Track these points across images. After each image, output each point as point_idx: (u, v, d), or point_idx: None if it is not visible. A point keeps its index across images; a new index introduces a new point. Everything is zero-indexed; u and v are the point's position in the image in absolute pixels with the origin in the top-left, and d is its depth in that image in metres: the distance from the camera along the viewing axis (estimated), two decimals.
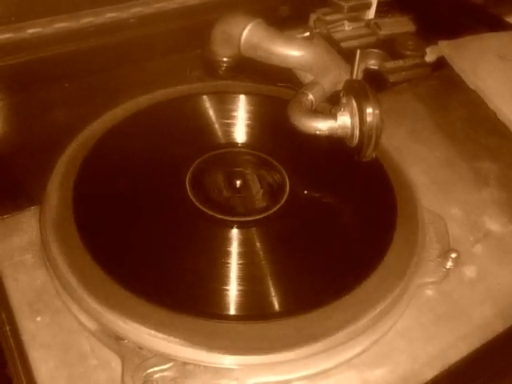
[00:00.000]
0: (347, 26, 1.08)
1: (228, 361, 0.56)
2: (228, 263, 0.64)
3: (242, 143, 0.80)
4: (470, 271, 0.69)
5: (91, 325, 0.60)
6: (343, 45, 1.04)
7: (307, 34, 1.00)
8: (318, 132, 0.72)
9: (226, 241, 0.67)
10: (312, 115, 0.74)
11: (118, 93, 0.84)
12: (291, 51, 0.87)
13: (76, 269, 0.61)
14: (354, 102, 0.70)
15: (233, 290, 0.61)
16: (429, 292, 0.67)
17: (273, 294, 0.61)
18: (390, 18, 1.12)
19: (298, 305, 0.60)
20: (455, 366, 0.60)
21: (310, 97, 0.77)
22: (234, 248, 0.66)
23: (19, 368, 0.58)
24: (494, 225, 0.75)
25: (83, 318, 0.60)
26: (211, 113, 0.83)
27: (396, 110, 0.90)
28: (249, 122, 0.82)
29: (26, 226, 0.69)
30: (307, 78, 0.89)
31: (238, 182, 0.74)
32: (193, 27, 0.99)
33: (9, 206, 0.71)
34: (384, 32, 1.08)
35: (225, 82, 0.92)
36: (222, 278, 0.62)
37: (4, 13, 0.88)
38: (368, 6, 1.10)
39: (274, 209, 0.71)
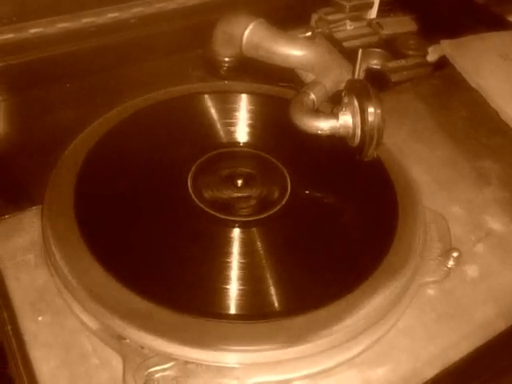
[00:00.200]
0: (349, 26, 1.08)
1: (229, 360, 0.57)
2: (229, 263, 0.64)
3: (243, 143, 0.80)
4: (471, 270, 0.69)
5: (93, 324, 0.60)
6: (345, 44, 1.04)
7: (309, 33, 1.00)
8: (319, 131, 0.72)
9: (227, 240, 0.67)
10: (314, 115, 0.74)
11: (119, 93, 0.85)
12: (293, 51, 0.87)
13: (78, 268, 0.61)
14: (355, 101, 0.70)
15: (234, 290, 0.61)
16: (430, 291, 0.67)
17: (274, 293, 0.61)
18: (392, 17, 1.11)
19: (299, 304, 0.60)
20: (456, 364, 0.60)
21: (312, 96, 0.77)
22: (235, 248, 0.66)
23: (21, 368, 0.58)
24: (495, 224, 0.75)
25: (85, 317, 0.60)
26: (213, 112, 0.83)
27: (398, 110, 0.90)
28: (250, 121, 0.82)
29: (28, 226, 0.69)
30: (309, 77, 0.89)
31: (240, 182, 0.74)
32: (194, 27, 0.99)
33: (10, 206, 0.71)
34: (386, 31, 1.08)
35: (226, 82, 0.92)
36: (223, 278, 0.62)
37: (5, 13, 0.89)
38: (370, 5, 1.10)
39: (276, 208, 0.70)
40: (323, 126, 0.72)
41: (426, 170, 0.80)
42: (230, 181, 0.74)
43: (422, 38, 1.06)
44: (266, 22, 0.89)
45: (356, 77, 0.74)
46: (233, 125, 0.81)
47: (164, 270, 0.63)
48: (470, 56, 0.96)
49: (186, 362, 0.56)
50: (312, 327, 0.58)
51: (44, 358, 0.58)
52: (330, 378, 0.59)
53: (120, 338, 0.58)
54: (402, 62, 1.00)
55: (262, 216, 0.70)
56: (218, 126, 0.82)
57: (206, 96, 0.84)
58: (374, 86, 0.70)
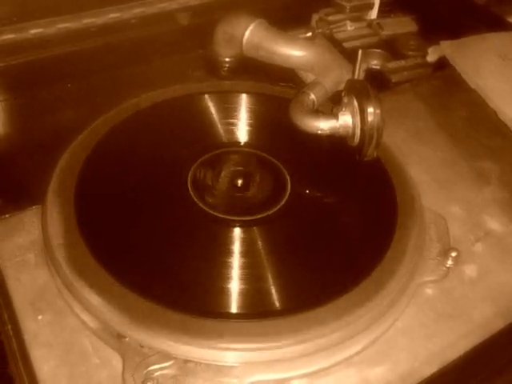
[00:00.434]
0: (349, 27, 1.08)
1: (229, 358, 0.57)
2: (229, 262, 0.64)
3: (244, 142, 0.80)
4: (470, 270, 0.69)
5: (93, 323, 0.60)
6: (345, 45, 1.04)
7: (309, 34, 1.01)
8: (319, 131, 0.72)
9: (228, 240, 0.67)
10: (314, 115, 0.74)
11: (119, 93, 0.85)
12: (293, 51, 0.87)
13: (78, 268, 0.61)
14: (355, 101, 0.70)
15: (234, 289, 0.62)
16: (429, 291, 0.67)
17: (273, 292, 0.62)
18: (392, 18, 1.12)
19: (298, 303, 0.60)
20: (454, 363, 0.61)
21: (312, 96, 0.78)
22: (236, 247, 0.66)
23: (21, 367, 0.58)
24: (494, 224, 0.75)
25: (85, 316, 0.60)
26: (213, 112, 0.83)
27: (398, 110, 0.90)
28: (251, 121, 0.82)
29: (28, 226, 0.69)
30: (309, 77, 0.89)
31: (240, 181, 0.74)
32: (194, 27, 0.99)
33: (11, 205, 0.71)
34: (386, 32, 1.08)
35: (227, 82, 0.92)
36: (223, 277, 0.62)
37: (6, 13, 0.89)
38: (370, 6, 1.11)
39: (276, 208, 0.71)
40: (323, 125, 0.72)
41: (426, 169, 0.81)
42: (231, 180, 0.74)
43: (422, 38, 1.06)
44: (267, 22, 0.89)
45: (356, 77, 0.74)
46: (233, 124, 0.82)
47: (164, 269, 0.63)
48: (469, 57, 0.96)
49: (186, 361, 0.57)
50: (311, 326, 0.58)
51: (44, 358, 0.58)
52: (329, 377, 0.59)
53: (120, 336, 0.58)
54: (402, 63, 1.01)
55: (262, 215, 0.70)
56: (219, 125, 0.82)
57: (207, 96, 0.84)
58: (374, 86, 0.71)
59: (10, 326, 0.61)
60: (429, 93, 0.95)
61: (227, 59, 0.95)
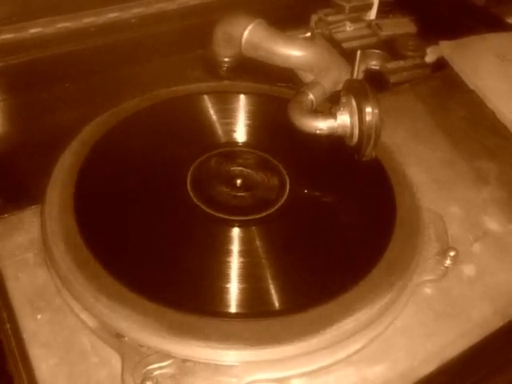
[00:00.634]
0: (348, 27, 1.08)
1: (228, 357, 0.57)
2: (228, 261, 0.64)
3: (242, 142, 0.80)
4: (468, 270, 0.69)
5: (92, 322, 0.60)
6: (344, 45, 1.04)
7: (308, 34, 1.01)
8: (318, 131, 0.73)
9: (227, 239, 0.67)
10: (312, 115, 0.74)
11: (119, 93, 0.85)
12: (292, 51, 0.87)
13: (77, 267, 0.61)
14: (353, 101, 0.71)
15: (233, 288, 0.62)
16: (428, 290, 0.67)
17: (272, 291, 0.62)
18: (391, 18, 1.12)
19: (297, 302, 0.60)
20: (452, 361, 0.61)
21: (311, 96, 0.78)
22: (235, 246, 0.66)
23: (20, 366, 0.58)
24: (493, 224, 0.75)
25: (84, 315, 0.60)
26: (212, 112, 0.83)
27: (397, 110, 0.90)
28: (249, 121, 0.82)
29: (28, 225, 0.69)
30: (308, 77, 0.89)
31: (239, 181, 0.74)
32: (194, 27, 0.99)
33: (10, 204, 0.71)
34: (385, 33, 1.08)
35: (226, 82, 0.92)
36: (222, 276, 0.62)
37: (6, 13, 0.89)
38: (369, 6, 1.11)
39: (274, 208, 0.71)
40: (322, 125, 0.72)
41: (425, 170, 0.81)
42: (229, 180, 0.74)
43: (421, 39, 1.06)
44: (266, 22, 0.89)
45: (354, 77, 0.74)
46: (232, 125, 0.82)
47: (163, 268, 0.63)
48: (468, 57, 0.96)
49: (185, 360, 0.57)
50: (310, 325, 0.58)
51: (43, 357, 0.58)
52: (328, 376, 0.59)
53: (119, 336, 0.58)
54: (401, 63, 1.01)
55: (260, 215, 0.70)
56: (218, 125, 0.82)
57: (206, 96, 0.85)
58: (373, 86, 0.71)
59: (9, 325, 0.61)
60: (428, 93, 0.95)
61: (226, 59, 0.95)
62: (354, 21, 1.09)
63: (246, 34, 0.88)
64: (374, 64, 1.02)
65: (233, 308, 0.60)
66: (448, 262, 0.67)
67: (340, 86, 0.77)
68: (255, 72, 0.92)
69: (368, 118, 0.68)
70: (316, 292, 0.62)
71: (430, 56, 1.02)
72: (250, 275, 0.63)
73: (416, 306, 0.65)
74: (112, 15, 0.96)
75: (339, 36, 1.06)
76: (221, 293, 0.61)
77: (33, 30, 0.91)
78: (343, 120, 0.71)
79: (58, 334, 0.60)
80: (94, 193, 0.69)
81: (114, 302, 0.58)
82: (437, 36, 1.01)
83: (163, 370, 0.56)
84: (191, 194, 0.71)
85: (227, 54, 0.94)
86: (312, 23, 1.07)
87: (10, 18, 0.89)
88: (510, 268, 0.70)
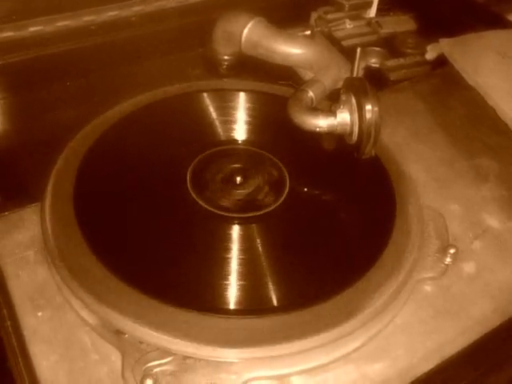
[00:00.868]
0: (348, 25, 1.08)
1: (228, 355, 0.57)
2: (228, 259, 0.64)
3: (242, 140, 0.80)
4: (468, 267, 0.69)
5: (92, 320, 0.60)
6: (344, 43, 1.04)
7: (308, 32, 1.01)
8: (317, 129, 0.73)
9: (226, 237, 0.67)
10: (312, 112, 0.74)
11: (119, 91, 0.85)
12: (292, 49, 0.87)
13: (77, 264, 0.61)
14: (353, 99, 0.71)
15: (233, 285, 0.62)
16: (427, 287, 0.67)
17: (272, 288, 0.62)
18: (391, 16, 1.12)
19: (297, 299, 0.61)
20: (452, 359, 0.61)
21: (310, 94, 0.78)
22: (234, 244, 0.66)
23: (20, 363, 0.58)
24: (493, 221, 0.75)
25: (84, 313, 0.60)
26: (212, 110, 0.83)
27: (396, 108, 0.90)
28: (249, 119, 0.82)
29: (28, 223, 0.69)
30: (308, 75, 0.89)
31: (239, 179, 0.74)
32: (194, 25, 0.99)
33: (10, 202, 0.71)
34: (385, 30, 1.08)
35: (226, 80, 0.92)
36: (222, 274, 0.63)
37: (6, 11, 0.89)
38: (369, 4, 1.11)
39: (274, 205, 0.71)
40: (321, 123, 0.72)
41: (425, 167, 0.81)
42: (229, 178, 0.74)
43: (421, 36, 1.06)
44: (266, 20, 0.89)
45: (354, 75, 0.74)
46: (232, 123, 0.82)
47: (163, 265, 0.63)
48: (468, 54, 0.96)
49: (185, 357, 0.57)
50: (310, 322, 0.58)
51: (43, 354, 0.59)
52: (328, 373, 0.59)
53: (119, 333, 0.58)
54: (401, 61, 1.01)
55: (260, 212, 0.70)
56: (218, 123, 0.82)
57: (206, 94, 0.85)
58: (373, 84, 0.71)
59: (9, 323, 0.61)
60: (428, 91, 0.95)
61: (226, 57, 0.95)
62: (353, 18, 1.09)
63: (245, 32, 0.88)
64: (374, 62, 1.02)
65: (233, 305, 0.60)
66: (448, 259, 0.67)
67: (340, 84, 0.77)
68: (255, 70, 0.92)
69: (368, 115, 0.68)
70: (315, 289, 0.62)
71: (430, 53, 1.02)
72: (250, 273, 0.63)
73: (416, 303, 0.65)
74: (112, 13, 0.96)
75: (339, 34, 1.06)
76: (221, 290, 0.61)
77: (33, 29, 0.91)
78: (343, 118, 0.71)
79: (59, 331, 0.60)
80: (94, 191, 0.69)
81: (115, 299, 0.58)
82: (437, 33, 1.01)
83: (163, 367, 0.56)
84: (191, 191, 0.71)
85: (227, 52, 0.94)
86: (312, 21, 1.07)
87: (10, 16, 0.89)
88: (510, 265, 0.70)
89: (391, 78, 0.99)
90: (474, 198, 0.78)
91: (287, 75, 0.93)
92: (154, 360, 0.56)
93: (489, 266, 0.70)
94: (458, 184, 0.80)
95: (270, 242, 0.67)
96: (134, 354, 0.56)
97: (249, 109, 0.83)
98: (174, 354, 0.57)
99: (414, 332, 0.63)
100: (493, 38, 1.00)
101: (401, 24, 1.09)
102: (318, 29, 1.04)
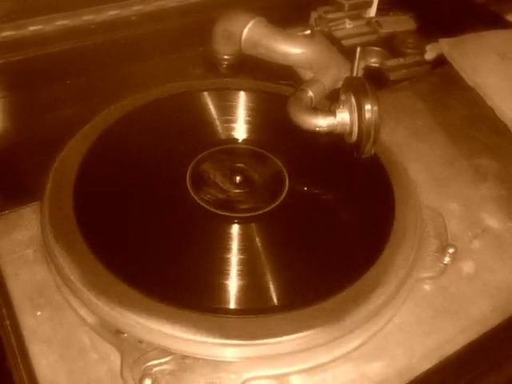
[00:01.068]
0: (348, 24, 1.08)
1: (227, 354, 0.57)
2: (227, 258, 0.64)
3: (242, 140, 0.80)
4: (467, 266, 0.69)
5: (91, 319, 0.60)
6: (344, 43, 1.04)
7: (308, 31, 1.01)
8: (317, 129, 0.73)
9: (226, 236, 0.67)
10: (311, 112, 0.74)
11: (119, 90, 0.85)
12: (292, 49, 0.87)
13: (76, 264, 0.61)
14: (353, 98, 0.71)
15: (232, 284, 0.62)
16: (426, 287, 0.67)
17: (271, 288, 0.62)
18: (391, 16, 1.12)
19: (296, 299, 0.61)
20: (451, 358, 0.61)
21: (310, 94, 0.78)
22: (234, 243, 0.66)
23: (20, 363, 0.58)
24: (492, 221, 0.75)
25: (83, 312, 0.61)
26: (212, 109, 0.83)
27: (396, 108, 0.90)
28: (249, 118, 0.82)
29: (27, 222, 0.69)
30: (308, 75, 0.89)
31: (238, 178, 0.74)
32: (194, 25, 0.99)
33: (10, 201, 0.71)
34: (385, 30, 1.08)
35: (226, 79, 0.92)
36: (221, 273, 0.63)
37: (6, 10, 0.89)
38: (369, 4, 1.11)
39: (274, 205, 0.71)
40: (321, 123, 0.72)
41: (424, 167, 0.81)
42: (229, 177, 0.74)
43: (421, 36, 1.06)
44: (266, 20, 0.89)
45: (354, 75, 0.74)
46: (232, 122, 0.82)
47: (162, 265, 0.63)
48: (468, 54, 0.96)
49: (184, 357, 0.57)
50: (309, 322, 0.58)
51: (43, 353, 0.59)
52: (327, 373, 0.59)
53: (118, 332, 0.58)
54: (401, 61, 1.01)
55: (260, 212, 0.70)
56: (218, 123, 0.82)
57: (206, 93, 0.85)
58: (373, 84, 0.71)
59: (8, 322, 0.61)
60: (427, 90, 0.95)
61: (226, 57, 0.95)
62: (353, 18, 1.09)
63: (245, 31, 0.88)
64: (374, 61, 1.02)
65: (232, 304, 0.60)
66: (447, 258, 0.67)
67: (339, 84, 0.77)
68: (255, 69, 0.92)
69: (367, 115, 0.68)
70: (315, 289, 0.62)
71: (430, 53, 1.02)
72: (249, 272, 0.63)
73: (415, 302, 0.65)
74: (112, 13, 0.96)
75: (339, 33, 1.06)
76: (220, 289, 0.61)
77: (33, 28, 0.91)
78: (343, 117, 0.71)
79: (58, 330, 0.61)
80: (94, 190, 0.69)
81: (114, 299, 0.58)
82: (436, 33, 1.02)
83: (162, 367, 0.56)
84: (191, 190, 0.71)
85: (227, 52, 0.94)
86: (312, 21, 1.08)
87: (9, 16, 0.89)
88: (509, 265, 0.70)
89: (391, 78, 0.99)
90: (473, 198, 0.78)
91: (287, 75, 0.93)
92: (153, 359, 0.56)
93: (488, 265, 0.70)
94: (457, 183, 0.80)
95: (269, 242, 0.67)
96: (133, 354, 0.56)
97: (249, 108, 0.83)
98: (173, 354, 0.57)
99: (413, 331, 0.63)
100: (492, 38, 1.00)
101: (401, 24, 1.10)
102: (318, 28, 1.04)
